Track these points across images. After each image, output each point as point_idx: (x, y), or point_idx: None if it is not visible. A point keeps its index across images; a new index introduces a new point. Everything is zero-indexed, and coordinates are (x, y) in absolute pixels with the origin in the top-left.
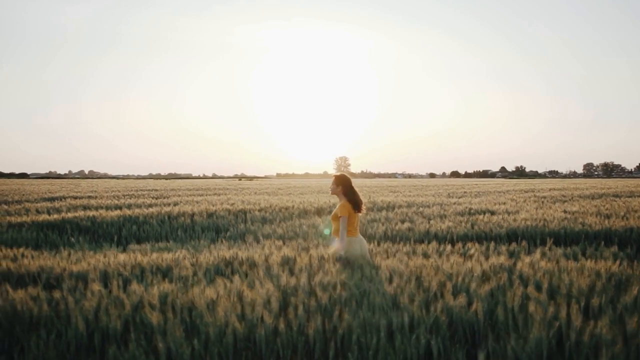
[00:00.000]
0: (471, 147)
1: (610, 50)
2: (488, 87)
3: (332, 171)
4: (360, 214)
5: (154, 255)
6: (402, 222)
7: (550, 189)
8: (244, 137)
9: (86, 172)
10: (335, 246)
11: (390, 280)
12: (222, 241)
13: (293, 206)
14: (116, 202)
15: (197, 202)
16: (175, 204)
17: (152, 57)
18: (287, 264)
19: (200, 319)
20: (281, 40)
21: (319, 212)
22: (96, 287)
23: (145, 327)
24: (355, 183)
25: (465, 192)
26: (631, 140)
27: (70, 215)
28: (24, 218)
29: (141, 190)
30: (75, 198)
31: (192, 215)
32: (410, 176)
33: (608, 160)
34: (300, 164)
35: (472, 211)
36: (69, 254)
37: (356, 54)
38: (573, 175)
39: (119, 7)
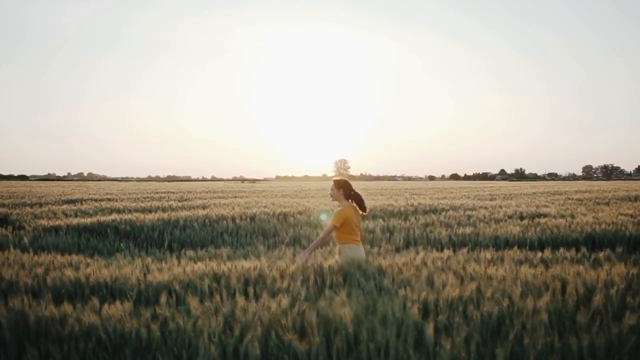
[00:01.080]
0: (470, 150)
1: (611, 51)
2: (487, 88)
3: (332, 174)
4: (359, 223)
5: (231, 263)
6: (463, 226)
7: (576, 191)
8: (242, 139)
9: (85, 174)
10: (303, 256)
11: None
12: (281, 247)
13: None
14: (141, 204)
15: (226, 204)
16: (204, 207)
17: (151, 58)
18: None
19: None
20: (281, 41)
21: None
22: (193, 301)
23: (289, 353)
24: (367, 186)
25: (492, 195)
26: (630, 142)
27: (106, 218)
28: (58, 222)
29: (158, 192)
30: (96, 200)
31: (234, 219)
32: (409, 179)
33: (606, 162)
34: (299, 166)
35: (523, 214)
36: (143, 264)
37: (356, 55)
38: (572, 177)
39: (118, 8)
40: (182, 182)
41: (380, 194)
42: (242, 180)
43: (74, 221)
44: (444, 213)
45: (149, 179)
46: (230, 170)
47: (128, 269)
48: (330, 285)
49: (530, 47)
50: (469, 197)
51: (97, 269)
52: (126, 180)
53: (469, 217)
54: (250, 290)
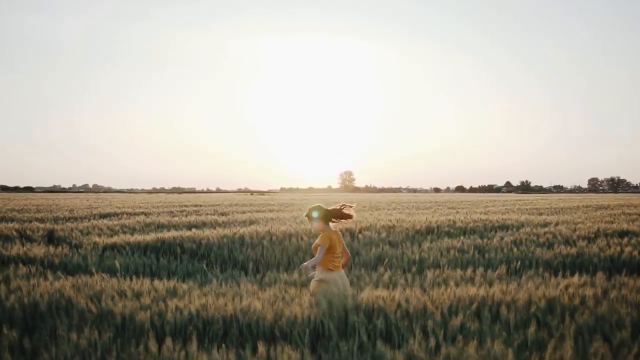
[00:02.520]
0: (473, 162)
1: (613, 62)
2: (491, 100)
3: (337, 186)
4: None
5: (375, 293)
6: (561, 244)
7: (619, 205)
8: (245, 151)
9: (90, 185)
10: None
11: None
12: (379, 270)
13: (401, 225)
14: (184, 219)
15: (273, 219)
16: (251, 222)
17: (150, 69)
18: None
19: None
20: (282, 53)
21: (431, 231)
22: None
23: None
24: (390, 199)
25: (535, 209)
26: (634, 155)
27: (165, 235)
28: (115, 239)
29: (186, 205)
30: (131, 214)
31: (301, 236)
32: (415, 191)
33: (611, 174)
34: (303, 178)
35: (607, 232)
36: (257, 292)
37: (359, 66)
38: (578, 190)
39: (116, 19)
40: (198, 195)
41: (417, 207)
42: (251, 192)
43: (131, 239)
44: (520, 229)
45: (154, 191)
46: (234, 182)
47: (249, 300)
48: None
49: (533, 59)
50: (513, 211)
51: (214, 300)
52: (133, 192)
53: (554, 235)
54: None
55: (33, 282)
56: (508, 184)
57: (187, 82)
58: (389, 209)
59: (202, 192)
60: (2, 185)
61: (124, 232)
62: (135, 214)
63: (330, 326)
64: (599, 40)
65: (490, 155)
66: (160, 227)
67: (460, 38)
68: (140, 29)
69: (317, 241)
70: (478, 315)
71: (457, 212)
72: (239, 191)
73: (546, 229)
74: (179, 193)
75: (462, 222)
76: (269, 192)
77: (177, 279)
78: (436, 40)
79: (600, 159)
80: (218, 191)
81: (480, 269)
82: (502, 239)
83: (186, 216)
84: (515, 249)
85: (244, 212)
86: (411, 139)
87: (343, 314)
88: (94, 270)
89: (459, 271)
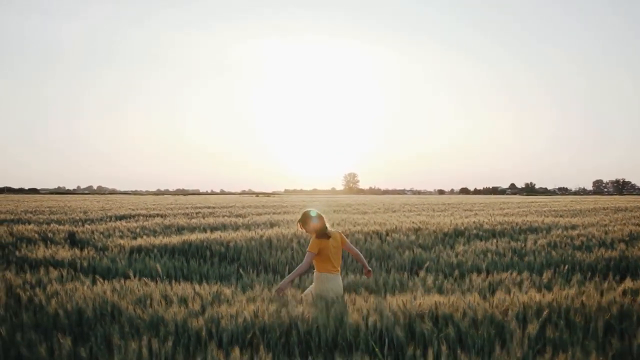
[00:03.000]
0: (477, 164)
1: (617, 63)
2: (494, 102)
3: (341, 187)
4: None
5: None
6: (597, 247)
7: (636, 207)
8: (247, 152)
9: (95, 187)
10: (283, 286)
11: None
12: (419, 274)
13: (427, 227)
14: (204, 221)
15: (294, 221)
16: (272, 225)
17: (151, 72)
18: None
19: None
20: (283, 55)
21: (460, 234)
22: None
23: None
24: (387, 201)
25: (553, 211)
26: (638, 157)
27: (190, 238)
28: (139, 241)
29: (200, 207)
30: (148, 216)
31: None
32: (419, 193)
33: (615, 176)
34: (306, 180)
35: (639, 234)
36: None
37: (361, 68)
38: (583, 192)
39: (116, 22)
40: (206, 196)
41: (432, 209)
42: (256, 194)
43: (156, 241)
44: (551, 232)
45: (159, 192)
46: (238, 184)
47: (303, 307)
48: None
49: (535, 60)
50: (532, 214)
51: (265, 306)
52: (137, 194)
53: (587, 237)
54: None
55: (70, 287)
56: (512, 185)
57: (189, 84)
58: (405, 211)
59: (207, 193)
60: (6, 187)
61: (147, 235)
62: (150, 215)
63: (397, 334)
64: (601, 40)
65: (493, 157)
66: (180, 229)
67: (461, 39)
68: (141, 31)
69: (308, 247)
70: (550, 322)
71: (476, 214)
72: (243, 193)
73: (577, 232)
74: (184, 195)
75: (488, 224)
76: (273, 193)
77: (213, 283)
78: (437, 41)
79: (604, 161)
80: (222, 193)
81: (525, 273)
82: (535, 242)
83: (203, 218)
84: (553, 252)
85: (260, 214)
86: (414, 140)
87: (407, 321)
88: (131, 274)
89: (503, 275)
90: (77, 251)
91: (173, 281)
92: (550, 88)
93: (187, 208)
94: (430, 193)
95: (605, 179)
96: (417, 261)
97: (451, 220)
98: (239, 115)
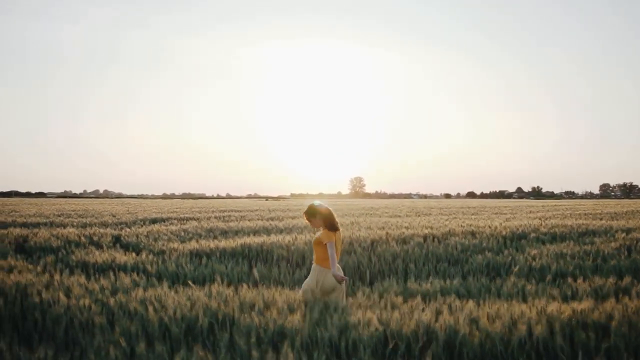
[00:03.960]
0: (483, 167)
1: (621, 66)
2: (499, 105)
3: (347, 191)
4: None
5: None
6: None
7: None
8: (253, 156)
9: (101, 191)
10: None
11: None
12: (515, 278)
13: (481, 230)
14: (240, 224)
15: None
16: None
17: (154, 76)
18: None
19: None
20: (287, 59)
21: (519, 237)
22: None
23: None
24: (406, 204)
25: (589, 214)
26: None
27: (251, 241)
28: (193, 245)
29: (225, 211)
30: (181, 220)
31: (389, 242)
32: (425, 197)
33: (623, 180)
34: (311, 184)
35: None
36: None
37: (365, 72)
38: (590, 195)
39: (118, 27)
40: (223, 200)
41: (460, 212)
42: (266, 198)
43: (211, 245)
44: (614, 235)
45: (165, 196)
46: (242, 188)
47: (446, 315)
48: None
49: (539, 63)
50: (570, 217)
51: (387, 314)
52: (143, 197)
53: None
54: None
55: (154, 293)
56: (519, 189)
57: (193, 88)
58: (437, 214)
59: (213, 197)
60: (14, 191)
61: (195, 239)
62: (183, 219)
63: (558, 345)
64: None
65: (498, 160)
66: (223, 232)
67: (464, 42)
68: (145, 33)
69: (320, 237)
70: None
71: (513, 216)
72: (249, 197)
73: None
74: (193, 199)
75: (544, 227)
76: (279, 197)
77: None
78: (441, 44)
79: (610, 164)
80: (228, 197)
81: (628, 278)
82: (607, 245)
83: (238, 221)
84: (638, 257)
85: (293, 218)
86: (418, 144)
87: (568, 331)
88: (219, 279)
89: (598, 280)
90: (134, 255)
91: (261, 286)
92: (555, 91)
93: (213, 212)
94: (437, 197)
95: (612, 182)
96: (492, 265)
97: (500, 223)
98: (243, 118)
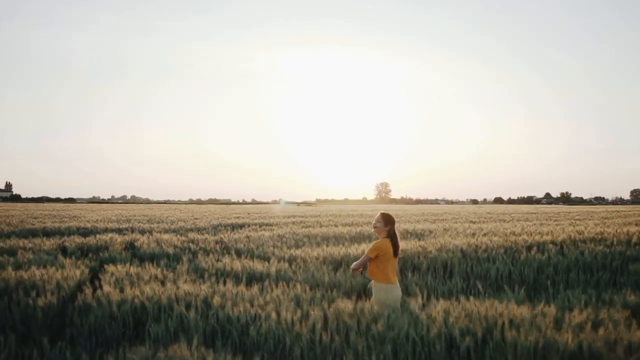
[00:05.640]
0: (509, 173)
1: None
2: (526, 110)
3: (372, 197)
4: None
5: None
6: None
7: None
8: (276, 162)
9: (128, 197)
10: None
11: None
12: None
13: (606, 237)
14: (333, 229)
15: (433, 230)
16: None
17: (175, 83)
18: None
19: None
20: (310, 65)
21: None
22: None
23: None
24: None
25: None
26: None
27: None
28: (317, 252)
29: (294, 216)
30: (260, 225)
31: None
32: (452, 202)
33: None
34: (336, 189)
35: None
36: None
37: (389, 78)
38: (620, 201)
39: (127, 33)
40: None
41: (515, 218)
42: (297, 203)
43: (340, 251)
44: None
45: (191, 202)
46: (267, 193)
47: None
48: None
49: (551, 71)
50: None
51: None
52: (170, 203)
53: None
54: None
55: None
56: (548, 195)
57: (207, 95)
58: (513, 220)
59: (239, 203)
60: (45, 196)
61: (308, 245)
62: (258, 224)
63: None
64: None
65: (522, 166)
66: (325, 238)
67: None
68: (152, 42)
69: (367, 250)
70: None
71: (603, 222)
72: (274, 202)
73: None
74: (218, 204)
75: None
76: (304, 203)
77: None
78: (462, 53)
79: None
80: (254, 202)
81: None
82: None
83: (318, 227)
84: None
85: (363, 224)
86: (442, 149)
87: None
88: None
89: None
90: (266, 263)
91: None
92: (586, 96)
93: (271, 218)
94: (463, 203)
95: None
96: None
97: (621, 229)
98: (266, 124)
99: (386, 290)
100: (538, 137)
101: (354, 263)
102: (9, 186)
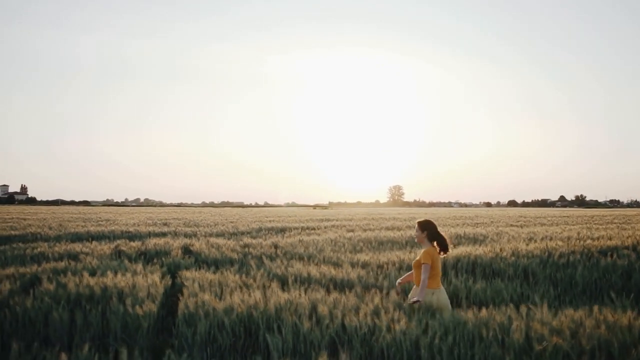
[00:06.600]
0: (522, 175)
1: None
2: (539, 113)
3: (385, 200)
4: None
5: None
6: None
7: None
8: (288, 165)
9: (142, 199)
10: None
11: None
12: None
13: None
14: (364, 235)
15: (485, 234)
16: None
17: (186, 86)
18: None
19: None
20: (323, 68)
21: None
22: None
23: None
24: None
25: None
26: None
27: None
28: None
29: (315, 220)
30: (302, 229)
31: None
32: (465, 205)
33: None
34: (349, 192)
35: None
36: None
37: (401, 81)
38: (635, 204)
39: (134, 37)
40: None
41: (546, 223)
42: (313, 206)
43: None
44: None
45: (204, 205)
46: (280, 196)
47: None
48: None
49: (561, 73)
50: None
51: None
52: (183, 206)
53: None
54: None
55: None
56: (562, 198)
57: (219, 99)
58: (545, 224)
59: (251, 206)
60: (59, 199)
61: (355, 251)
62: (305, 228)
63: None
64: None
65: (538, 168)
66: (381, 243)
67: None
68: (164, 45)
69: (419, 257)
70: None
71: (620, 227)
72: (287, 205)
73: None
74: (232, 207)
75: None
76: (317, 205)
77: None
78: (473, 56)
79: None
80: (267, 205)
81: None
82: None
83: (363, 231)
84: None
85: (409, 227)
86: (455, 153)
87: None
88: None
89: None
90: (340, 268)
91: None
92: (595, 97)
93: (308, 221)
94: (476, 206)
95: None
96: None
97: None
98: (278, 128)
99: (437, 295)
100: (548, 139)
101: (422, 275)
102: (24, 189)
